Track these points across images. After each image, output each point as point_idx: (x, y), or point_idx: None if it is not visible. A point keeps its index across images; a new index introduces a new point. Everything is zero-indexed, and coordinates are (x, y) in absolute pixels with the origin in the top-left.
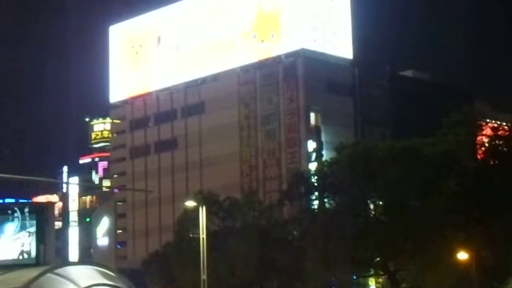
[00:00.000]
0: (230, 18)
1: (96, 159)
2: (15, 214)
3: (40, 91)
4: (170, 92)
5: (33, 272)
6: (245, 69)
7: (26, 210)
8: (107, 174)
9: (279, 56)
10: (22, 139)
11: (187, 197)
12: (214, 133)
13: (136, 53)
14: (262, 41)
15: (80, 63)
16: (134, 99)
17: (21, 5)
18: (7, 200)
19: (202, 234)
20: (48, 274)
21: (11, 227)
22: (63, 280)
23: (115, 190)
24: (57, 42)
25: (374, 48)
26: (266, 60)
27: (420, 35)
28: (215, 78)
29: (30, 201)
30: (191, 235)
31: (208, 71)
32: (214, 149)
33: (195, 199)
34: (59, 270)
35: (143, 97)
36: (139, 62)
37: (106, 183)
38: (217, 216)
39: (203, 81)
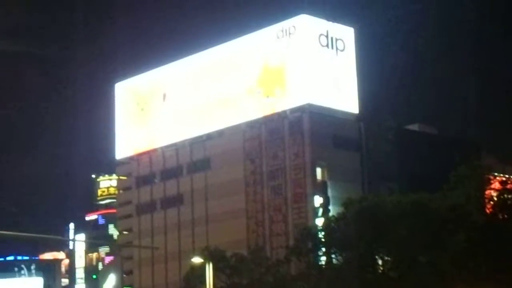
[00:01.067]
0: (235, 73)
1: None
2: (22, 271)
3: (46, 148)
4: (176, 148)
5: None
6: (251, 124)
7: (33, 267)
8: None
9: (284, 112)
10: (29, 197)
11: (194, 253)
12: (220, 189)
13: (142, 109)
14: (268, 96)
15: (86, 120)
16: (140, 155)
17: (25, 60)
18: (16, 257)
19: None
20: None
21: (18, 283)
22: None
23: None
24: (63, 99)
25: (379, 103)
26: (272, 115)
27: (426, 89)
28: (220, 134)
29: (37, 258)
30: None
31: (213, 127)
32: (220, 205)
33: (202, 256)
34: None
35: (149, 153)
36: (144, 118)
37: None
38: (224, 273)
39: (209, 137)
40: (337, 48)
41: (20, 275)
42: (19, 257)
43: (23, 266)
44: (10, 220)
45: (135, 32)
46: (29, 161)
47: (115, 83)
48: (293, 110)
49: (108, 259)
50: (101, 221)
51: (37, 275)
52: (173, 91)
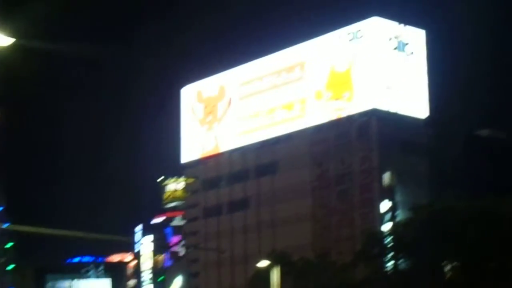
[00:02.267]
0: (302, 77)
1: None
2: (90, 273)
3: (114, 151)
4: (243, 152)
5: None
6: (318, 128)
7: (101, 268)
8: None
9: (352, 116)
10: (97, 199)
11: (260, 257)
12: (287, 193)
13: (209, 113)
14: (335, 100)
15: (153, 124)
16: (206, 159)
17: (91, 65)
18: (83, 259)
19: None
20: None
21: (86, 285)
22: None
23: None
24: (130, 103)
25: (448, 108)
26: (339, 119)
27: (496, 93)
28: (287, 138)
29: (104, 260)
30: None
31: (280, 131)
32: (287, 209)
33: (268, 259)
34: None
35: (215, 157)
36: (211, 122)
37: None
38: (290, 277)
39: (276, 141)
40: (407, 51)
41: (88, 276)
42: (87, 259)
43: (91, 267)
44: (79, 222)
45: (201, 36)
46: (98, 165)
47: (181, 87)
48: (361, 114)
49: (174, 262)
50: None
51: (104, 276)
52: (240, 94)
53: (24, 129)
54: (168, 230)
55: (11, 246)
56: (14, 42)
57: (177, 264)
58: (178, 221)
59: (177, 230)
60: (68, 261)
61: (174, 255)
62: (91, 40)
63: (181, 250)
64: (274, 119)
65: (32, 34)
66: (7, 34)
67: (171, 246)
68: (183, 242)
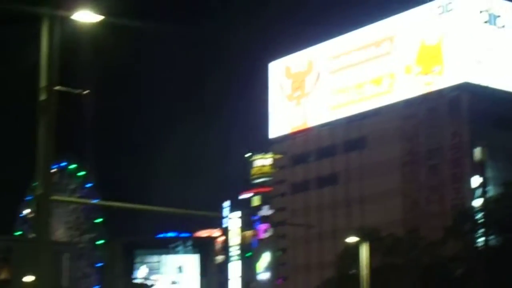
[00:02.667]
0: (391, 52)
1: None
2: (178, 248)
3: (203, 127)
4: (331, 127)
5: None
6: (408, 103)
7: (189, 244)
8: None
9: (442, 90)
10: (186, 175)
11: (348, 233)
12: (376, 168)
13: (297, 88)
14: (425, 74)
15: (241, 100)
16: (294, 134)
17: (178, 40)
18: (171, 234)
19: (364, 271)
20: None
21: (175, 260)
22: None
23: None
24: (218, 79)
25: None
26: (429, 94)
27: None
28: (376, 112)
29: (192, 235)
30: (352, 272)
31: (369, 105)
32: (376, 185)
33: (357, 235)
34: None
35: (303, 132)
36: (299, 97)
37: None
38: (379, 253)
39: (365, 116)
40: (498, 24)
41: (176, 252)
42: (175, 234)
43: (179, 243)
44: (168, 198)
45: (289, 11)
46: (186, 141)
47: (269, 62)
48: (452, 89)
49: (262, 237)
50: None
51: (193, 252)
52: (328, 69)
53: (114, 106)
54: (256, 218)
55: (101, 222)
56: (103, 19)
57: (265, 240)
58: (265, 211)
59: (264, 219)
60: (156, 236)
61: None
62: (179, 17)
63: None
64: (363, 94)
65: (120, 12)
66: (95, 11)
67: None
68: (270, 231)
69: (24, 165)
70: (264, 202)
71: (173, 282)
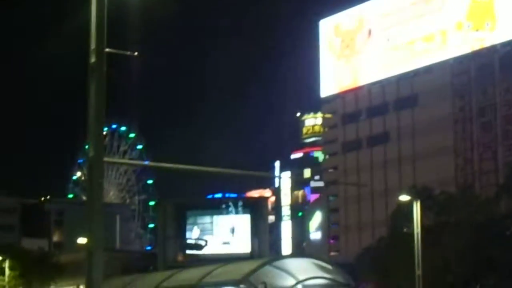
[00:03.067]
0: (443, 8)
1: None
2: (230, 209)
3: (254, 87)
4: (382, 85)
5: (251, 264)
6: (459, 60)
7: (240, 204)
8: None
9: (495, 46)
10: (237, 135)
11: (400, 191)
12: (428, 126)
13: (347, 46)
14: (477, 30)
15: (291, 59)
16: (345, 93)
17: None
18: (221, 195)
19: (417, 229)
20: (267, 266)
21: (227, 220)
22: (281, 272)
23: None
24: (268, 38)
25: None
26: (481, 50)
27: None
28: (428, 70)
29: (244, 195)
30: (405, 230)
31: (420, 63)
32: (428, 142)
33: (409, 193)
34: (277, 263)
35: (354, 90)
36: (349, 55)
37: None
38: (431, 211)
39: (416, 73)
40: None
41: (227, 212)
42: (226, 195)
43: (230, 203)
44: (219, 158)
45: None
46: (236, 101)
47: (320, 20)
48: (504, 44)
49: (313, 197)
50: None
51: (244, 212)
52: (379, 26)
53: (164, 67)
54: (307, 188)
55: (152, 183)
56: None
57: (316, 200)
58: (316, 182)
59: (315, 190)
60: (208, 197)
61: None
62: None
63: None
64: (414, 51)
65: None
66: None
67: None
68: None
69: (75, 128)
70: (314, 173)
71: (225, 243)
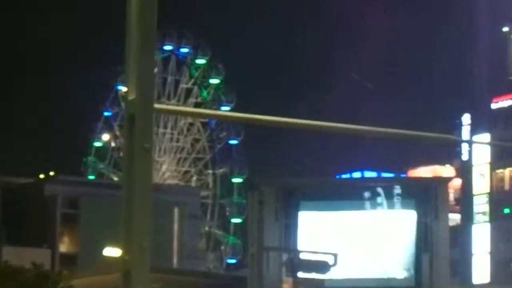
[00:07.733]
0: None
1: None
2: (378, 199)
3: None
4: None
5: None
6: None
7: (396, 191)
8: None
9: None
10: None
11: None
12: None
13: None
14: None
15: None
16: None
17: None
18: (368, 174)
19: None
20: None
21: (372, 219)
22: None
23: None
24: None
25: None
26: None
27: None
28: None
29: (404, 176)
30: None
31: None
32: None
33: None
34: None
35: None
36: None
37: None
38: None
39: None
40: None
41: (374, 205)
42: (372, 175)
43: (379, 189)
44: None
45: None
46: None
47: None
48: None
49: None
50: None
51: (403, 206)
52: None
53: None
54: None
55: (237, 144)
56: None
57: None
58: None
59: None
60: (337, 177)
61: None
62: None
63: None
64: None
65: None
66: None
67: None
68: None
69: (100, 53)
70: None
71: (369, 260)
